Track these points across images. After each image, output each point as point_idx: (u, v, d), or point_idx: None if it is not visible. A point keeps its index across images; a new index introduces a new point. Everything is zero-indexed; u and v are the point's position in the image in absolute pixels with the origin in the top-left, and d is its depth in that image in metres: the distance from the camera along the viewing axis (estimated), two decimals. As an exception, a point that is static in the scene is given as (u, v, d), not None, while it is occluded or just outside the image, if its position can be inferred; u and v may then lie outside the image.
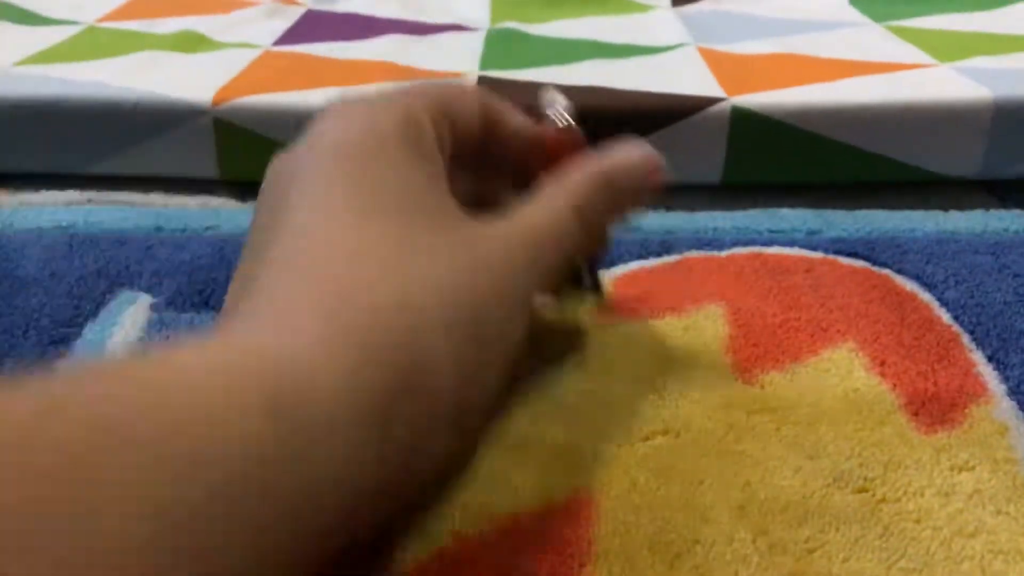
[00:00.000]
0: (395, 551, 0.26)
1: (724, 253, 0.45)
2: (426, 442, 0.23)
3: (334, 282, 0.21)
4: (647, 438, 0.32)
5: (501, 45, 0.64)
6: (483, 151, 0.30)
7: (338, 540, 0.21)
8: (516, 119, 0.31)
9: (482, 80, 0.56)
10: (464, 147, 0.29)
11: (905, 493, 0.30)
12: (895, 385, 0.35)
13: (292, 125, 0.52)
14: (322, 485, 0.19)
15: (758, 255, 0.44)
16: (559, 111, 0.32)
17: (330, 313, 0.21)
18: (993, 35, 0.64)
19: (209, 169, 0.54)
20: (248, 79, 0.56)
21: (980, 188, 0.54)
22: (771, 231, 0.47)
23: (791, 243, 0.46)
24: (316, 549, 0.20)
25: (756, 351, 0.37)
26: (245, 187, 0.54)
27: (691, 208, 0.51)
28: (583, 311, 0.39)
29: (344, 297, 0.21)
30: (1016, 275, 0.42)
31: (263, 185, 0.27)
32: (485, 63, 0.60)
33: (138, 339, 0.39)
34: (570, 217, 0.28)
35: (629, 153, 0.30)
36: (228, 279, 0.43)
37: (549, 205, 0.28)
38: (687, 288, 0.41)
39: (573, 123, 0.32)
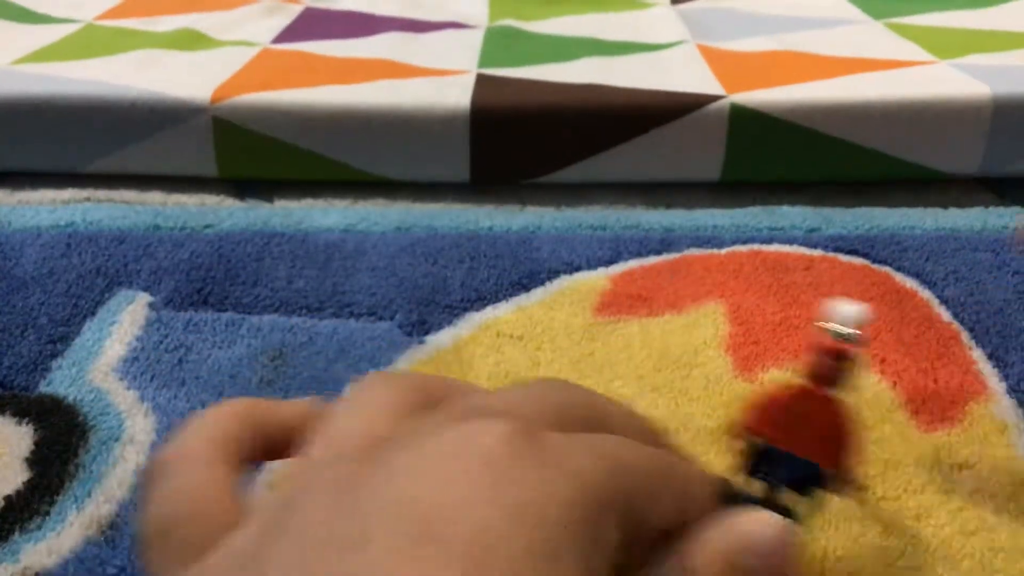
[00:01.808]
0: None
1: (724, 251, 0.45)
2: None
3: None
4: (647, 436, 0.32)
5: (500, 42, 0.64)
6: None
7: None
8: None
9: (481, 78, 0.56)
10: None
11: (905, 491, 0.30)
12: (895, 383, 0.35)
13: (291, 123, 0.52)
14: None
15: (757, 252, 0.44)
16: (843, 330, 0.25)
17: None
18: (992, 32, 0.64)
19: (207, 167, 0.54)
20: (247, 77, 0.56)
21: (979, 185, 0.54)
22: (770, 228, 0.46)
23: (790, 240, 0.45)
24: None
25: (756, 348, 0.37)
26: (243, 185, 0.54)
27: (690, 206, 0.51)
28: (580, 309, 0.39)
29: None
30: (1016, 272, 0.42)
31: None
32: (484, 61, 0.60)
33: (136, 338, 0.39)
34: None
35: (759, 528, 0.21)
36: (227, 277, 0.43)
37: None
38: (687, 286, 0.41)
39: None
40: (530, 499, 0.16)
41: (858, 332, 0.24)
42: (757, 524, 0.20)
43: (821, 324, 0.24)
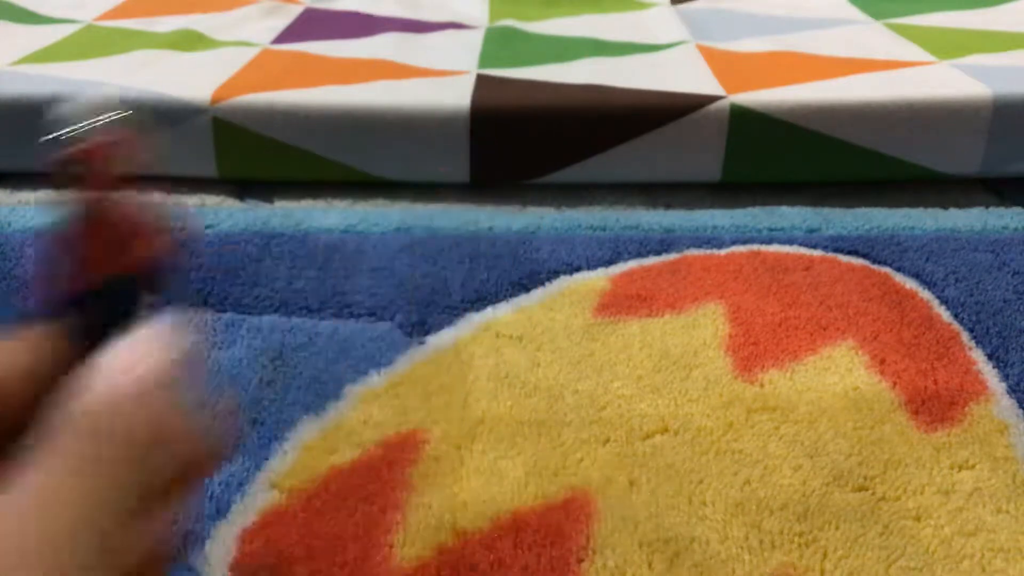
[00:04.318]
0: None
1: (723, 251, 0.45)
2: None
3: None
4: (647, 436, 0.32)
5: (500, 43, 0.64)
6: None
7: None
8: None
9: (481, 78, 0.56)
10: None
11: (905, 491, 0.30)
12: (895, 383, 0.35)
13: (291, 124, 0.52)
14: None
15: (757, 253, 0.44)
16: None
17: None
18: (992, 32, 0.64)
19: (207, 167, 0.54)
20: (246, 77, 0.56)
21: (979, 185, 0.54)
22: (770, 229, 0.46)
23: (790, 241, 0.45)
24: None
25: (756, 349, 0.37)
26: (243, 186, 0.54)
27: (690, 206, 0.51)
28: (579, 310, 0.39)
29: None
30: (1016, 273, 0.42)
31: None
32: (484, 61, 0.60)
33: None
34: (70, 484, 0.18)
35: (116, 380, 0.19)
36: (226, 277, 0.43)
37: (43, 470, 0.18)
38: (686, 286, 0.41)
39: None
40: None
41: (86, 123, 0.20)
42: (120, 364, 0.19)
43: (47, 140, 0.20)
